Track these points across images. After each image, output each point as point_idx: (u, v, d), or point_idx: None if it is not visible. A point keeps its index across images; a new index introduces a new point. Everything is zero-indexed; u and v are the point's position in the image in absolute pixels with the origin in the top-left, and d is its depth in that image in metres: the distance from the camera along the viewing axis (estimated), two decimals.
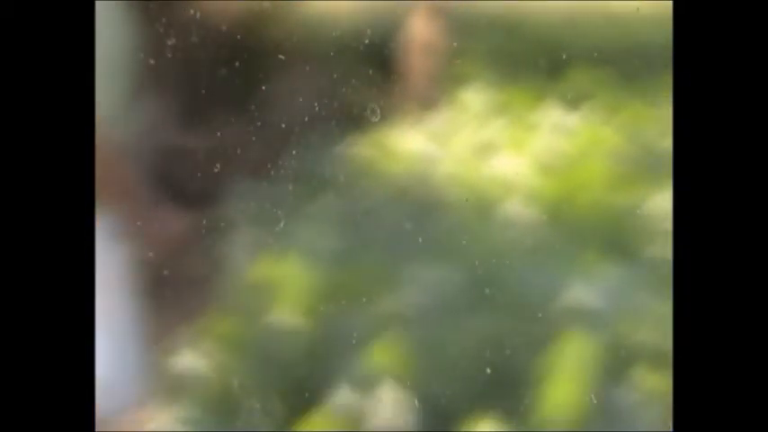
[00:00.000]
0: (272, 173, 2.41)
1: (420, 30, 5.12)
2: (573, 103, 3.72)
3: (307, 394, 1.51)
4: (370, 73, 4.80)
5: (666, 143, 3.29)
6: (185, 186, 2.16)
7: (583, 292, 1.80)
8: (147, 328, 1.82)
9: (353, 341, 1.58)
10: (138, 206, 1.80)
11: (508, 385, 1.49)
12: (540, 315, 1.68)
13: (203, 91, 1.90)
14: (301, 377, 1.56)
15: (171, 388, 1.69)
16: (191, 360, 1.74)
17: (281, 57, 4.42)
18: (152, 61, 1.91)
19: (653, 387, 1.49)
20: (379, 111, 4.13)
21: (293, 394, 1.53)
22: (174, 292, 1.98)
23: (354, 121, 3.94)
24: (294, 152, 2.45)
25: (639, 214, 2.45)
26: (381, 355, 1.49)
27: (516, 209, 2.48)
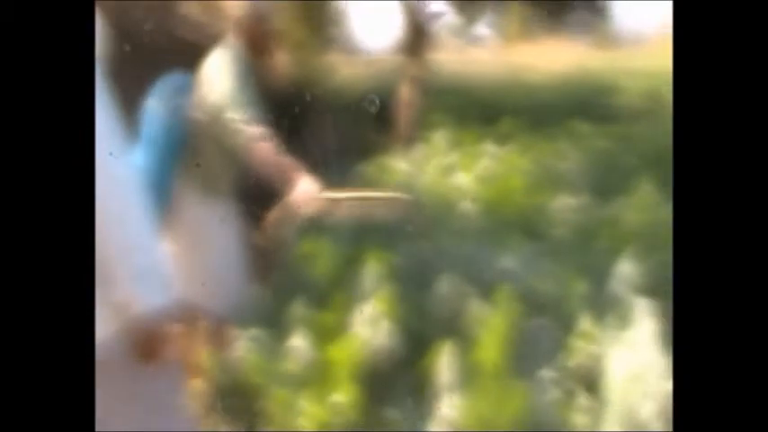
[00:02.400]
0: None
1: (405, 93, 5.12)
2: (502, 140, 3.73)
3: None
4: (374, 121, 4.78)
5: (560, 166, 3.28)
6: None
7: (509, 260, 1.79)
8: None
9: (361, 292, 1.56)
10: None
11: (461, 321, 1.46)
12: (483, 273, 1.67)
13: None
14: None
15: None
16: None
17: (318, 108, 4.37)
18: None
19: (552, 321, 1.46)
20: (378, 102, 4.13)
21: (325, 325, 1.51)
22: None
23: (364, 151, 3.92)
24: (323, 171, 2.42)
25: (545, 210, 2.44)
26: (380, 302, 1.47)
27: (467, 207, 2.47)
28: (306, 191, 1.69)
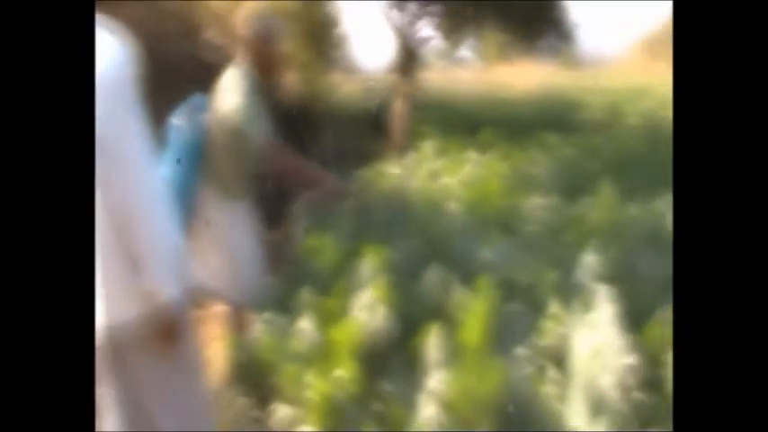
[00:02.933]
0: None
1: (399, 107, 5.10)
2: (483, 149, 3.72)
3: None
4: (373, 132, 4.75)
5: (533, 171, 3.28)
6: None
7: (489, 252, 1.78)
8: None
9: (360, 281, 1.55)
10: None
11: (447, 306, 1.45)
12: (466, 264, 1.67)
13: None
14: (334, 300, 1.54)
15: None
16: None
17: (322, 121, 4.34)
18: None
19: (524, 304, 1.45)
20: (377, 102, 4.03)
21: (328, 310, 1.50)
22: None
23: (364, 157, 3.91)
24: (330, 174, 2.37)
25: (519, 209, 2.44)
26: (376, 289, 1.46)
27: (452, 206, 2.46)
28: (331, 185, 1.78)
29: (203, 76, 1.84)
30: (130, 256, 0.95)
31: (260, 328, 1.51)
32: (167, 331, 1.00)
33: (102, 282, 0.92)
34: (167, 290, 0.98)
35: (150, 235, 0.96)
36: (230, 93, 1.67)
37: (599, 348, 1.22)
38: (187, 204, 1.67)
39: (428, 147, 3.91)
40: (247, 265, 1.80)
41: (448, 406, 1.15)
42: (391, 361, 1.34)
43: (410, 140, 4.71)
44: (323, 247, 1.81)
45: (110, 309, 0.96)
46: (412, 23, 5.12)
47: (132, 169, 0.93)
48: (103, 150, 0.89)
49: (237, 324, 1.75)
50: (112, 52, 0.94)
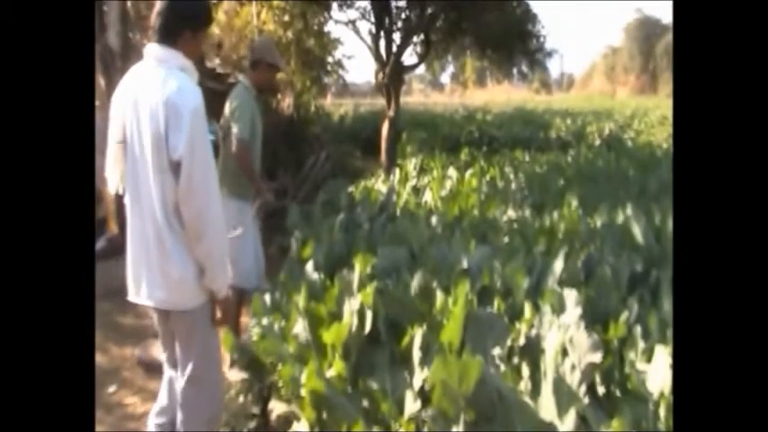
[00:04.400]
0: (313, 201, 2.40)
1: (385, 129, 5.12)
2: (463, 167, 3.76)
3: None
4: (363, 151, 4.75)
5: (507, 186, 3.30)
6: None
7: (468, 260, 1.78)
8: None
9: (352, 288, 1.54)
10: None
11: (430, 310, 1.45)
12: (446, 271, 1.67)
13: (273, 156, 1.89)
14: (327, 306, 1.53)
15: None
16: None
17: (317, 139, 4.32)
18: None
19: (499, 308, 1.45)
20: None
21: (320, 315, 1.49)
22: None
23: (355, 175, 3.90)
24: (323, 190, 2.38)
25: (494, 220, 2.44)
26: (364, 295, 1.45)
27: (435, 219, 2.46)
28: (264, 195, 2.00)
29: (210, 102, 1.89)
30: (197, 260, 1.10)
31: (259, 332, 1.49)
32: (222, 315, 1.19)
33: (176, 277, 1.11)
34: (223, 290, 1.16)
35: (212, 246, 1.10)
36: (233, 98, 1.97)
37: (567, 348, 1.22)
38: None
39: (412, 165, 3.93)
40: (249, 259, 1.86)
41: (430, 401, 1.14)
42: (378, 361, 1.32)
43: (396, 160, 4.73)
44: (316, 255, 1.80)
45: (176, 296, 1.13)
46: (398, 53, 5.18)
47: (204, 187, 1.07)
48: (185, 171, 1.04)
49: (232, 315, 1.78)
50: (192, 90, 1.08)
